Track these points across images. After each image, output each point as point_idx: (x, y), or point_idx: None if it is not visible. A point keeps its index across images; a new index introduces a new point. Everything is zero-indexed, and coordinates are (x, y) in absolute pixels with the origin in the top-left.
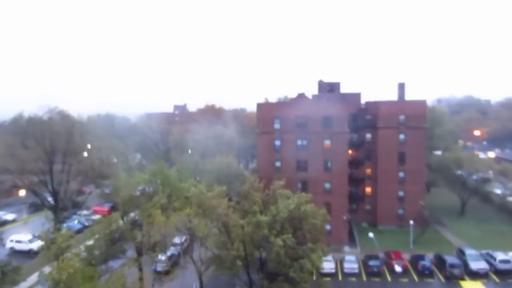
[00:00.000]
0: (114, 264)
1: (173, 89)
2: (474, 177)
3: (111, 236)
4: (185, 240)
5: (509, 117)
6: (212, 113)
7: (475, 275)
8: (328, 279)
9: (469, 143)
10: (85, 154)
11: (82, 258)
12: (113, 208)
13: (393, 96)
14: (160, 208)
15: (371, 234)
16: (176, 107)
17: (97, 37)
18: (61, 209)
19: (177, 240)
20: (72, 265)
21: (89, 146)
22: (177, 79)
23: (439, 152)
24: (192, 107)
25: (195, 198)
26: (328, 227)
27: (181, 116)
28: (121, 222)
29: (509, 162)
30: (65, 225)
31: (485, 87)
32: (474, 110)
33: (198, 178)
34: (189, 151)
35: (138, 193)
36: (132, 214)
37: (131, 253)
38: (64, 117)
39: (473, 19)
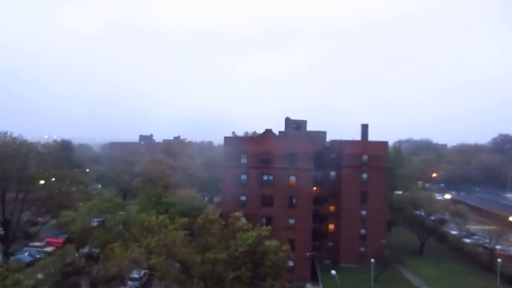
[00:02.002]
0: None
1: (138, 119)
2: (432, 217)
3: (64, 269)
4: (144, 275)
5: (463, 161)
6: (179, 145)
7: None
8: None
9: (427, 185)
10: (42, 182)
11: None
12: (68, 240)
13: (357, 136)
14: (118, 238)
15: (333, 272)
16: (141, 137)
17: (55, 59)
18: (11, 240)
19: (135, 274)
20: None
21: (46, 174)
22: (144, 109)
23: (399, 192)
24: (158, 138)
25: (157, 230)
26: (290, 263)
27: (146, 147)
28: (75, 254)
29: (463, 204)
30: (14, 257)
31: (442, 132)
32: (431, 153)
33: (160, 211)
34: (153, 183)
35: (95, 224)
36: (87, 247)
37: None
38: (19, 143)
39: (430, 68)
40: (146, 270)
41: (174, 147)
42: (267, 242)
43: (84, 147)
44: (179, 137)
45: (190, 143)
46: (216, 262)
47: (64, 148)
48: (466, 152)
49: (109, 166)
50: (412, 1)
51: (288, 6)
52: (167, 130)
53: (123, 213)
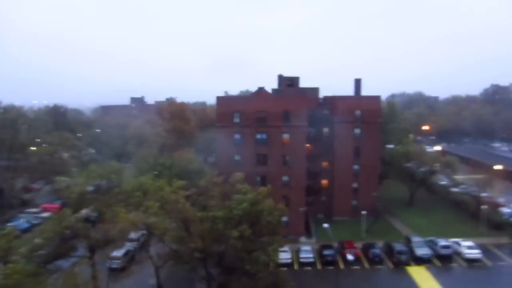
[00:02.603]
0: (65, 263)
1: (129, 81)
2: (422, 169)
3: (61, 234)
4: (142, 235)
5: (454, 113)
6: (171, 106)
7: (420, 261)
8: (285, 269)
9: (419, 138)
10: (33, 148)
11: (28, 259)
12: (65, 205)
13: (350, 91)
14: (118, 203)
15: (326, 225)
16: (133, 99)
17: (46, 23)
18: (6, 207)
19: (133, 235)
20: (19, 270)
21: (38, 140)
22: (134, 70)
23: (391, 146)
24: (150, 100)
25: (154, 193)
26: (285, 219)
27: (138, 109)
28: (73, 218)
29: (453, 155)
30: (11, 224)
31: (434, 84)
32: (423, 106)
33: (157, 173)
34: (148, 146)
35: (91, 189)
36: (84, 211)
37: (82, 251)
38: (7, 109)
39: (423, 22)
40: (144, 231)
41: (167, 108)
42: (261, 205)
43: (75, 111)
44: (171, 98)
45: (182, 104)
46: (215, 220)
47: (55, 114)
48: (458, 103)
49: (101, 130)
50: None
51: None
52: (160, 91)
53: (116, 176)
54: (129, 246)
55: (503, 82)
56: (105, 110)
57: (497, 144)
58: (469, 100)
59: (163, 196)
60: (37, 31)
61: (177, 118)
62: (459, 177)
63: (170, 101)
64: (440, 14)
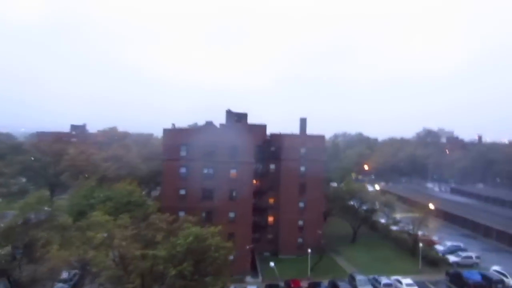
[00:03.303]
0: None
1: (71, 108)
2: (364, 207)
3: None
4: (75, 275)
5: (392, 154)
6: (114, 135)
7: None
8: None
9: (360, 176)
10: None
11: None
12: None
13: (296, 130)
14: (50, 238)
15: (272, 264)
16: (73, 127)
17: None
18: None
19: (65, 275)
20: None
21: None
22: (77, 98)
23: (335, 184)
24: (93, 129)
25: (96, 227)
26: (231, 257)
27: (79, 137)
28: None
29: (392, 194)
30: None
31: (374, 126)
32: (364, 147)
33: (94, 206)
34: (86, 176)
35: (20, 222)
36: (8, 247)
37: None
38: None
39: (366, 67)
40: (77, 270)
41: (109, 138)
42: (209, 241)
43: (6, 136)
44: (115, 127)
45: (126, 133)
46: (155, 259)
47: None
48: (394, 145)
49: (35, 158)
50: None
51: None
52: (104, 121)
53: (49, 209)
54: (60, 287)
55: (434, 126)
56: (41, 136)
57: (430, 184)
58: (403, 142)
59: (106, 231)
60: None
61: (121, 148)
62: (397, 215)
63: (110, 129)
64: (381, 62)
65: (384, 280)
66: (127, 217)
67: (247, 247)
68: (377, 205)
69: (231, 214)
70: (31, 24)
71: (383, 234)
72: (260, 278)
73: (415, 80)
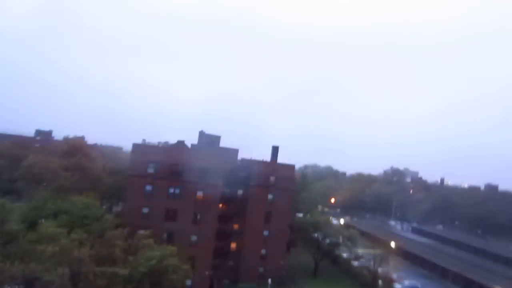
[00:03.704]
0: None
1: (39, 113)
2: (327, 240)
3: None
4: None
5: (358, 189)
6: (80, 145)
7: None
8: None
9: (326, 209)
10: None
11: None
12: None
13: (267, 157)
14: None
15: None
16: (38, 132)
17: None
18: None
19: None
20: None
21: None
22: (46, 102)
23: (301, 215)
24: (59, 136)
25: (47, 240)
26: (189, 283)
27: (42, 143)
28: None
29: (355, 229)
30: None
31: (343, 160)
32: (332, 180)
33: (46, 217)
34: (44, 185)
35: None
36: None
37: None
38: None
39: (338, 102)
40: (21, 286)
41: (73, 147)
42: (166, 262)
43: None
44: (82, 137)
45: (93, 145)
46: (114, 278)
47: None
48: (361, 181)
49: None
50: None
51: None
52: (78, 129)
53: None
54: None
55: (400, 165)
56: (1, 138)
57: (393, 222)
58: (370, 178)
59: (57, 246)
60: None
61: (86, 159)
62: (359, 250)
63: (80, 140)
64: (357, 97)
65: None
66: (82, 231)
67: (206, 273)
68: (341, 239)
69: (193, 237)
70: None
71: (344, 268)
72: None
73: (389, 116)
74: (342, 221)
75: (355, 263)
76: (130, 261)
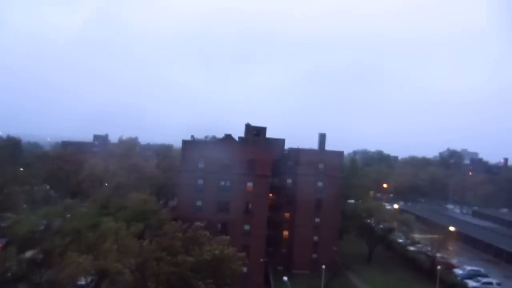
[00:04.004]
0: None
1: (95, 118)
2: (381, 226)
3: (2, 275)
4: (91, 282)
5: (412, 173)
6: (134, 146)
7: None
8: None
9: (378, 195)
10: None
11: None
12: (8, 244)
13: (314, 145)
14: (67, 243)
15: (285, 278)
16: (96, 137)
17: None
18: None
19: (82, 281)
20: None
21: None
22: (102, 108)
23: (352, 201)
24: (114, 139)
25: (110, 236)
26: (244, 270)
27: (100, 147)
28: (16, 260)
29: (410, 214)
30: None
31: (394, 144)
32: (383, 165)
33: (110, 215)
34: (105, 185)
35: (41, 228)
36: (30, 252)
37: None
38: None
39: (388, 86)
40: (94, 277)
41: (128, 148)
42: (226, 250)
43: (33, 145)
44: (135, 138)
45: (146, 144)
46: (180, 265)
47: (10, 146)
48: (415, 164)
49: (58, 166)
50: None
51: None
52: (125, 131)
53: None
54: None
55: (457, 147)
56: (65, 146)
57: (450, 206)
58: (424, 161)
59: (119, 239)
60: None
61: (140, 158)
62: (415, 235)
63: (134, 141)
64: (405, 80)
65: None
66: (141, 225)
67: (261, 260)
68: (395, 225)
69: (246, 227)
70: (57, 35)
71: (399, 254)
72: None
73: (440, 99)
74: (395, 206)
75: (412, 249)
76: (194, 251)
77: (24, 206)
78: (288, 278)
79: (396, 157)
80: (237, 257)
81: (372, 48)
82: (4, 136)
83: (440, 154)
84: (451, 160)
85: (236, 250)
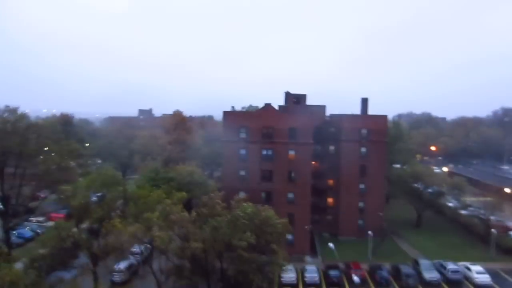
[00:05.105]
0: (67, 274)
1: (138, 93)
2: (430, 190)
3: (63, 244)
4: (145, 249)
5: (462, 134)
6: (178, 119)
7: (428, 285)
8: None
9: (426, 158)
10: (41, 157)
11: (29, 269)
12: (69, 215)
13: (356, 110)
14: (119, 214)
15: (331, 245)
16: (141, 111)
17: (58, 34)
18: (12, 215)
19: (137, 248)
20: (15, 273)
21: (46, 148)
22: (143, 83)
23: (398, 166)
24: (158, 112)
25: (154, 205)
26: (290, 237)
27: (146, 121)
28: (74, 229)
29: (461, 176)
30: (15, 232)
31: (441, 105)
32: (431, 127)
33: (159, 186)
34: (152, 157)
35: (94, 199)
36: (87, 222)
37: (82, 262)
38: (17, 117)
39: (433, 44)
40: (147, 244)
41: (170, 120)
42: (264, 213)
43: (84, 121)
44: (178, 111)
45: (189, 117)
46: (219, 225)
47: (64, 122)
48: (466, 125)
49: (108, 141)
50: None
51: None
52: (171, 104)
53: (121, 188)
54: (132, 259)
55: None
56: (113, 121)
57: (506, 167)
58: (476, 121)
59: (164, 208)
60: (49, 37)
61: (180, 130)
62: (467, 199)
63: (178, 114)
64: (452, 37)
65: (451, 265)
66: (185, 195)
67: (306, 227)
68: (444, 188)
69: (290, 195)
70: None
71: (450, 218)
72: (319, 259)
73: (494, 52)
74: (445, 169)
75: (464, 212)
76: (231, 213)
77: (80, 179)
78: (334, 245)
79: (444, 119)
80: (281, 222)
81: (418, 3)
82: (58, 113)
83: (494, 112)
84: (506, 119)
85: (279, 217)
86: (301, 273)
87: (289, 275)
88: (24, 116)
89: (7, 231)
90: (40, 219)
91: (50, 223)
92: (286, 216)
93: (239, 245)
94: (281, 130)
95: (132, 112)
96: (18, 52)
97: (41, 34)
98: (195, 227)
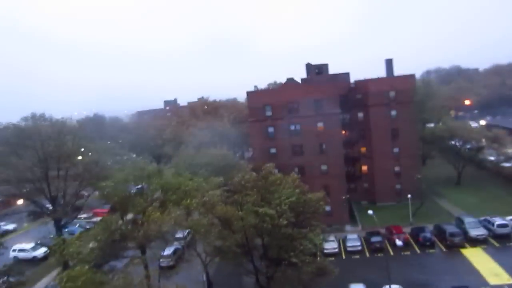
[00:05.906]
0: (119, 264)
1: (160, 84)
2: (468, 146)
3: (111, 236)
4: (188, 234)
5: (498, 83)
6: (204, 105)
7: (475, 242)
8: (332, 258)
9: (460, 113)
10: (79, 157)
11: (86, 262)
12: (112, 209)
13: (382, 73)
14: (157, 203)
15: (370, 211)
16: (166, 102)
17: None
18: (61, 214)
19: (180, 234)
20: (84, 273)
21: (82, 149)
22: (163, 74)
23: (432, 125)
24: (182, 101)
25: (192, 192)
26: (328, 208)
27: (172, 111)
28: (120, 221)
29: (500, 128)
30: (66, 230)
31: (471, 57)
32: (462, 80)
33: (195, 172)
34: (184, 146)
35: (134, 192)
36: (130, 213)
37: (133, 252)
38: (53, 122)
39: None
40: (189, 230)
41: (200, 108)
42: (304, 197)
43: (115, 119)
44: (202, 97)
45: (214, 102)
46: (263, 217)
47: (96, 122)
48: (500, 73)
49: (139, 135)
50: None
51: None
52: (190, 92)
53: (158, 179)
54: (177, 245)
55: None
56: (141, 115)
57: None
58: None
59: (201, 195)
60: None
61: (211, 116)
62: (509, 151)
63: (203, 101)
64: None
65: (498, 220)
66: (220, 179)
67: (343, 197)
68: (484, 142)
69: (323, 167)
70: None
71: (492, 172)
72: (359, 226)
73: None
74: (482, 122)
75: (506, 165)
76: (270, 199)
77: (117, 174)
78: (373, 212)
79: (476, 70)
80: (317, 197)
81: None
82: (91, 114)
83: None
84: None
85: (315, 191)
86: (342, 242)
87: (331, 245)
88: (58, 121)
89: (59, 229)
90: (87, 216)
91: (97, 219)
92: (321, 189)
93: (281, 224)
94: (306, 103)
95: (158, 104)
96: (48, 59)
97: (68, 36)
98: (234, 209)
